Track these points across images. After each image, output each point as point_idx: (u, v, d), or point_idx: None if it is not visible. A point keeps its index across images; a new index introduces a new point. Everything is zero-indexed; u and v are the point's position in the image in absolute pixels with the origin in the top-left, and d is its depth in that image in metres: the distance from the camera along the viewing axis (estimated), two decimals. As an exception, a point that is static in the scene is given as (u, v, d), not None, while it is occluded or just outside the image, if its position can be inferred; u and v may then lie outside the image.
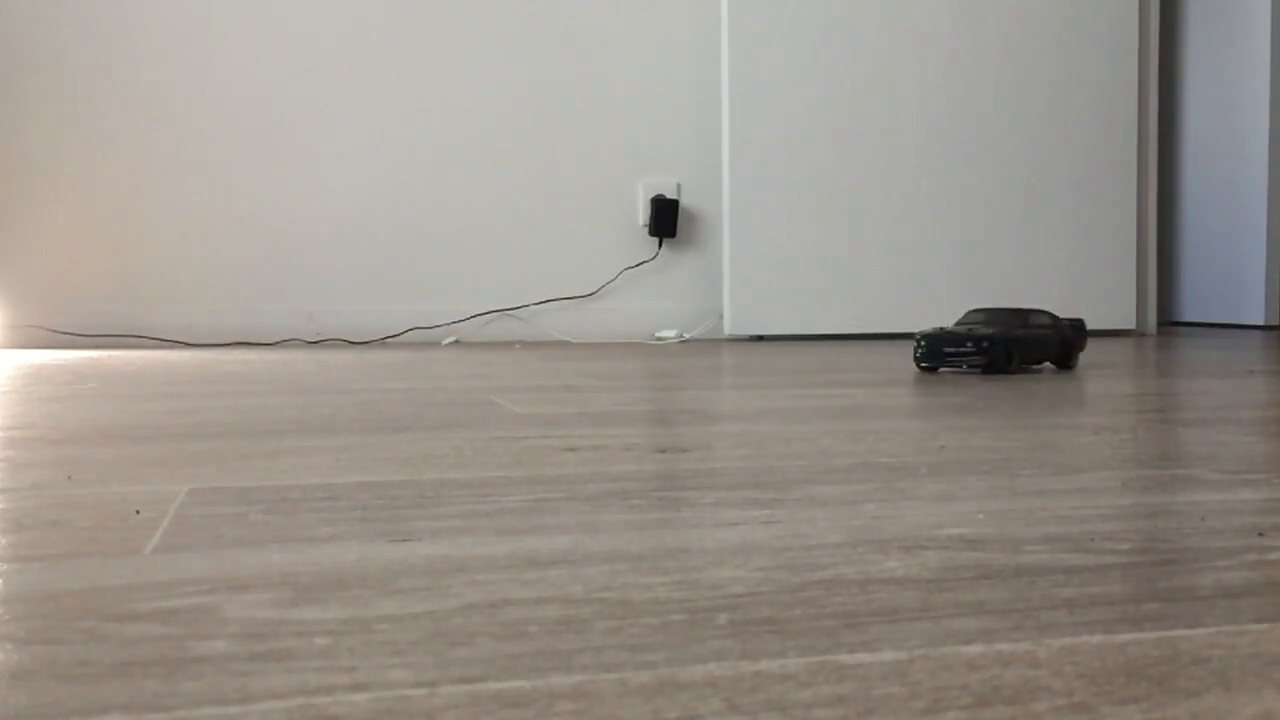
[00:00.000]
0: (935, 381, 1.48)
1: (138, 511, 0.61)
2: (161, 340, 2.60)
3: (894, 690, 0.33)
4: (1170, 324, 3.63)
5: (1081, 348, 1.69)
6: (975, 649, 0.37)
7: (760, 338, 2.80)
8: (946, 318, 2.87)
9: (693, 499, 0.65)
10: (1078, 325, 1.70)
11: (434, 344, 2.62)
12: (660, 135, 2.84)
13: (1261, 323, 3.27)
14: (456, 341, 2.71)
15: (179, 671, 0.35)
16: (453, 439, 0.91)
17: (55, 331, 2.57)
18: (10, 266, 2.56)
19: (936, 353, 1.60)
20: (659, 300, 2.86)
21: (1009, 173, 2.91)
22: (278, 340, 2.65)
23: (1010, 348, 1.57)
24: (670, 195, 2.83)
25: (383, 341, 2.67)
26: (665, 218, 2.80)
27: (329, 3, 2.67)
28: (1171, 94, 3.58)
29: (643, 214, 2.82)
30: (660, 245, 2.84)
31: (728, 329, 2.76)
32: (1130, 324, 3.01)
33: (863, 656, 0.37)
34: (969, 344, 1.57)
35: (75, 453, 0.84)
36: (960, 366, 1.59)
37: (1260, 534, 0.55)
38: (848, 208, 2.80)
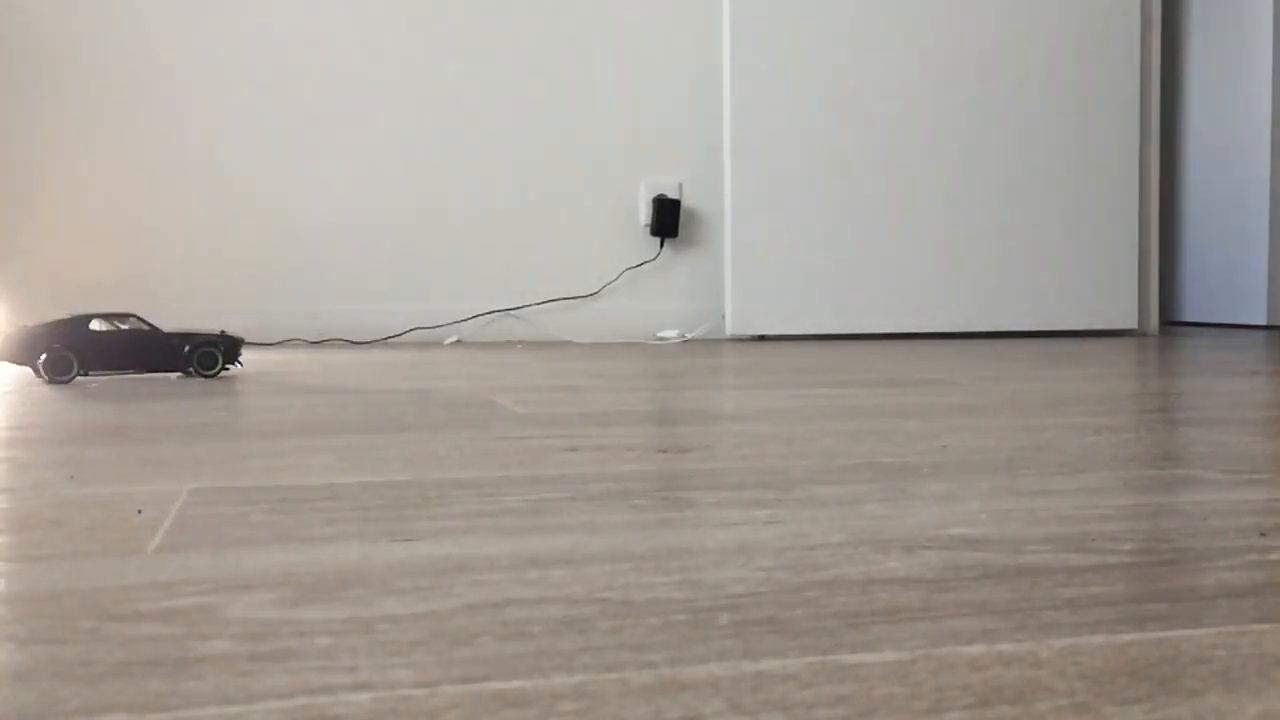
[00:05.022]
0: (932, 381, 1.48)
1: (140, 511, 0.61)
2: (163, 340, 2.60)
3: (896, 690, 0.33)
4: (1171, 324, 3.63)
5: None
6: (977, 649, 0.37)
7: (762, 338, 2.80)
8: (948, 316, 2.86)
9: (695, 499, 0.65)
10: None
11: (436, 344, 2.62)
12: (662, 135, 2.84)
13: (1263, 323, 3.27)
14: (458, 341, 2.71)
15: (181, 671, 0.35)
16: (455, 439, 0.91)
17: (57, 331, 2.57)
18: (12, 266, 2.56)
19: None
20: (661, 300, 2.86)
21: (1010, 172, 2.91)
22: (279, 340, 2.65)
23: None
24: (672, 195, 2.83)
25: (384, 341, 2.67)
26: (667, 218, 2.80)
27: (332, 4, 2.67)
28: (1173, 93, 3.58)
29: (644, 214, 2.82)
30: (662, 245, 2.84)
31: (729, 329, 2.76)
32: (1132, 324, 3.01)
33: (864, 656, 0.36)
34: None
35: (77, 452, 0.84)
36: None
37: (1262, 534, 0.55)
38: (849, 208, 2.80)
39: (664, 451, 0.84)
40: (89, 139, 2.57)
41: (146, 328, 1.56)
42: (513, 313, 2.78)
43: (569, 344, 2.62)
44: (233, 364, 1.61)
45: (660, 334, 2.82)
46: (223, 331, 1.65)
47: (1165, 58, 3.56)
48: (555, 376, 1.60)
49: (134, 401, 1.24)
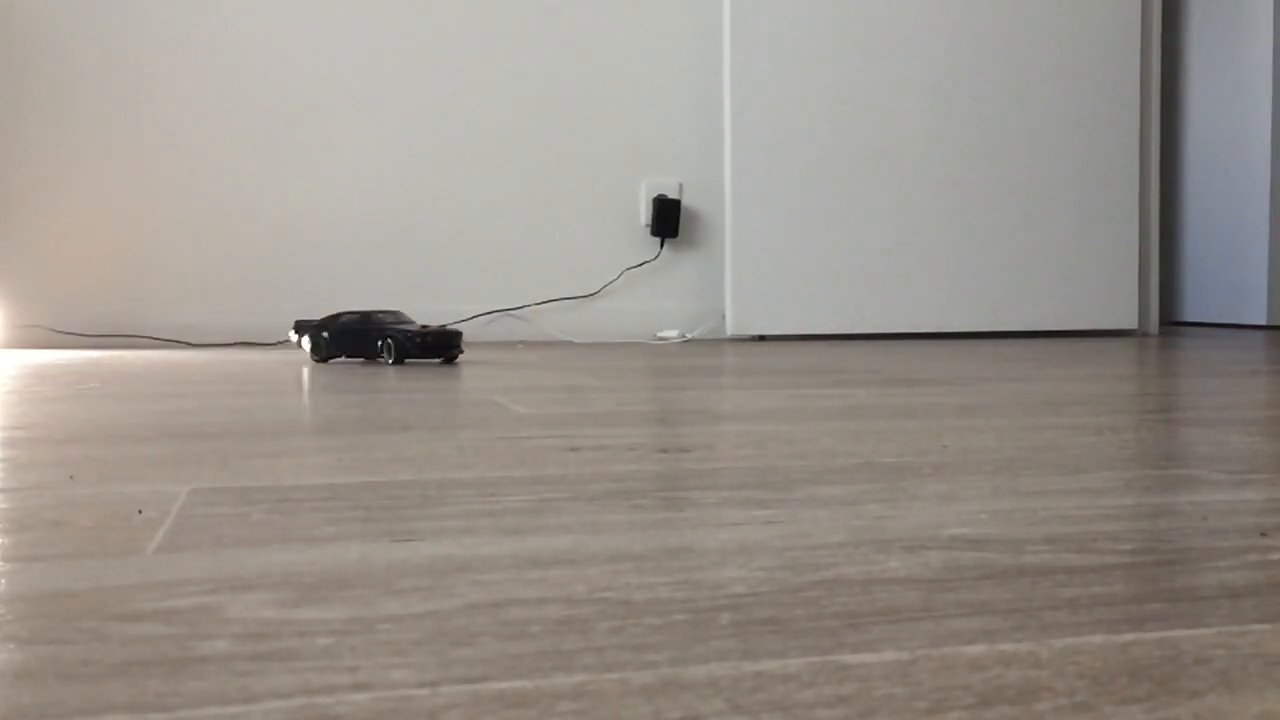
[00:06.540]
0: (933, 380, 1.48)
1: (140, 511, 0.61)
2: (163, 340, 2.61)
3: (896, 690, 0.33)
4: (1172, 324, 3.63)
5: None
6: (977, 649, 0.37)
7: (762, 338, 2.80)
8: (948, 316, 2.86)
9: (695, 499, 0.65)
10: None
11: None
12: (662, 135, 2.84)
13: (1264, 323, 3.27)
14: (458, 341, 2.71)
15: (182, 671, 0.35)
16: (455, 439, 0.91)
17: (57, 332, 2.57)
18: (12, 267, 2.56)
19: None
20: (661, 300, 2.86)
21: (1011, 172, 2.91)
22: (279, 340, 2.65)
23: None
24: (672, 195, 2.83)
25: (385, 341, 2.66)
26: (667, 218, 2.80)
27: (330, 4, 2.67)
28: (1174, 93, 3.58)
29: (644, 214, 2.82)
30: (662, 245, 2.84)
31: (729, 329, 2.76)
32: (1132, 324, 3.01)
33: (865, 657, 0.37)
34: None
35: (77, 453, 0.84)
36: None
37: (1263, 534, 0.55)
38: (850, 207, 2.80)
39: (665, 451, 0.84)
40: (89, 141, 2.57)
41: (360, 321, 1.87)
42: (513, 313, 2.78)
43: (569, 344, 2.62)
44: (440, 355, 1.83)
45: (660, 334, 2.82)
46: (424, 326, 1.86)
47: (1166, 58, 3.56)
48: (556, 376, 1.60)
49: (132, 402, 1.24)
